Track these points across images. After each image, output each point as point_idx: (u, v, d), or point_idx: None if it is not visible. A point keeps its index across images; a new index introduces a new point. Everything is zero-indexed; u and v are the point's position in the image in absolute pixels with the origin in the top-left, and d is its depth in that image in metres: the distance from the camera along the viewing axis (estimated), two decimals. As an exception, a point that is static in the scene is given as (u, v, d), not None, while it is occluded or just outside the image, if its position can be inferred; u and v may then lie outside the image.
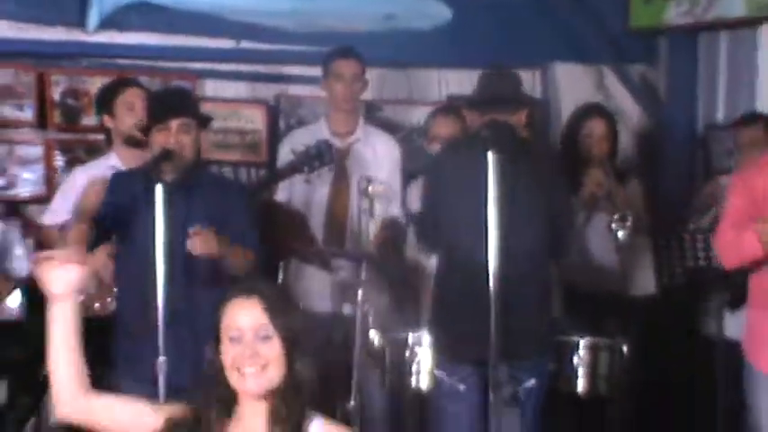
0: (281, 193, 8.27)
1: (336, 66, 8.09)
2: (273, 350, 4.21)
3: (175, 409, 4.33)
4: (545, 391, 6.84)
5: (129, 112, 7.58)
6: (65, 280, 4.26)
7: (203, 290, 6.55)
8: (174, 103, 7.00)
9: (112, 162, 7.75)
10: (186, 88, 7.85)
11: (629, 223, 7.21)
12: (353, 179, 8.13)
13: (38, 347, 7.39)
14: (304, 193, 8.21)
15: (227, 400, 4.29)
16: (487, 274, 6.35)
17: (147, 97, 7.53)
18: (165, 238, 6.44)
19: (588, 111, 8.45)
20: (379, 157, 8.26)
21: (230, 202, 7.03)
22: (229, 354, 4.21)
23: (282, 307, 4.31)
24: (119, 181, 6.87)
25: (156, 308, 6.40)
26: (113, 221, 6.83)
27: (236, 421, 4.30)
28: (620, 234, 7.25)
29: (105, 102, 7.80)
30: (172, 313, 6.42)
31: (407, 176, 8.32)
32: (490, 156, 6.37)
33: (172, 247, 6.47)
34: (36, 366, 7.54)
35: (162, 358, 6.31)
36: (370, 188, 7.68)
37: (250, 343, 4.20)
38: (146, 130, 6.89)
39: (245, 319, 4.24)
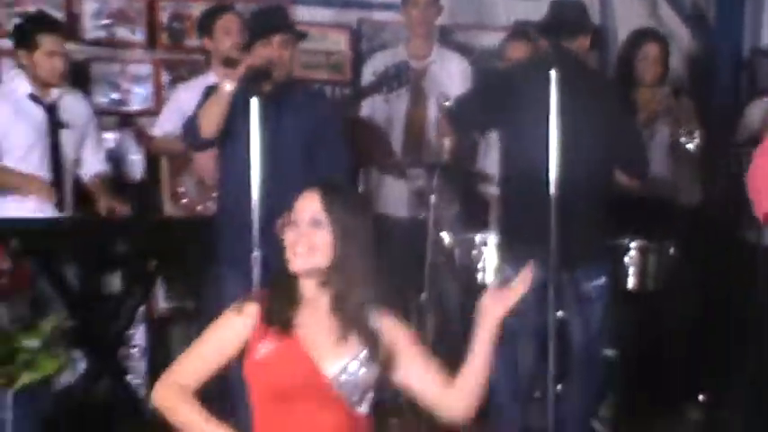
0: (364, 110, 8.32)
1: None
2: (323, 237, 4.25)
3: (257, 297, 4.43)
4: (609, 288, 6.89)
5: (227, 35, 7.78)
6: None
7: (293, 192, 6.49)
8: (277, 20, 7.03)
9: (211, 80, 7.70)
10: (285, 7, 7.71)
11: (696, 136, 7.23)
12: (430, 97, 8.17)
13: (147, 244, 7.49)
14: (384, 110, 8.25)
15: (293, 284, 4.33)
16: (548, 182, 6.35)
17: (251, 15, 7.48)
18: (261, 146, 6.45)
19: (643, 35, 8.40)
20: (452, 77, 8.25)
21: (320, 114, 7.07)
22: (288, 237, 4.30)
23: (340, 203, 4.33)
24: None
25: (251, 208, 6.42)
26: (217, 140, 6.91)
27: (304, 305, 4.31)
28: (690, 146, 7.32)
29: (205, 26, 8.01)
30: (266, 212, 6.38)
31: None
32: (552, 74, 6.35)
33: (266, 153, 6.47)
34: (145, 260, 7.78)
35: (256, 252, 6.34)
36: (447, 104, 7.68)
37: (303, 228, 4.27)
38: (247, 46, 6.92)
39: (303, 207, 4.33)
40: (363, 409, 4.28)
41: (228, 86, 6.67)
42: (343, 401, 4.23)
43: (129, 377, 7.86)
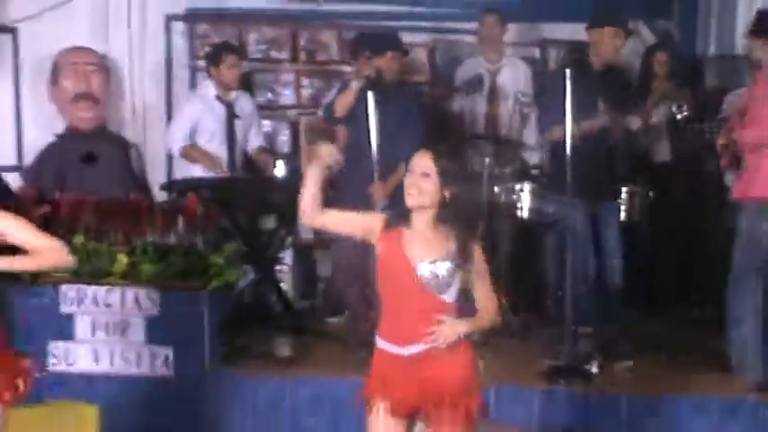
0: (455, 105, 8.41)
1: (486, 20, 8.16)
2: (429, 184, 4.32)
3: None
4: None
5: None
6: (329, 154, 4.43)
7: (393, 150, 6.66)
8: (391, 41, 7.19)
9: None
10: (397, 33, 7.74)
11: (684, 111, 7.10)
12: (502, 91, 8.17)
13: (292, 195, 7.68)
14: (469, 105, 8.29)
15: (406, 214, 4.41)
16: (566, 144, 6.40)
17: (372, 36, 7.61)
18: (376, 122, 6.73)
19: (656, 46, 8.45)
20: (517, 74, 8.27)
21: (410, 102, 7.23)
22: (406, 182, 4.37)
23: (444, 162, 4.39)
24: None
25: (371, 161, 6.77)
26: (345, 118, 7.10)
27: (412, 228, 4.39)
28: (679, 116, 7.15)
29: (353, 51, 7.84)
30: (379, 164, 6.76)
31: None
32: (568, 72, 6.37)
33: (378, 127, 6.74)
34: (292, 206, 7.94)
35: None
36: (521, 95, 7.99)
37: (416, 176, 4.35)
38: (369, 58, 7.12)
39: (417, 162, 4.38)
40: (447, 297, 4.33)
41: (355, 84, 6.90)
42: (431, 290, 4.32)
43: (281, 284, 7.96)
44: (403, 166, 6.53)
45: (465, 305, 4.44)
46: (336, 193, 7.04)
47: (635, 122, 6.80)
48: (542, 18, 8.79)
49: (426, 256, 4.34)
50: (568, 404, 6.11)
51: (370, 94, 6.76)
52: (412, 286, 4.33)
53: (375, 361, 4.44)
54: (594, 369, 6.36)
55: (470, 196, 4.68)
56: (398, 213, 4.48)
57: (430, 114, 8.05)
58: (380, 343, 4.41)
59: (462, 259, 4.34)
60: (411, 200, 4.37)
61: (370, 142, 6.76)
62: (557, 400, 6.13)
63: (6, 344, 4.54)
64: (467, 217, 4.47)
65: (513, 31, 8.59)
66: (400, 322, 4.35)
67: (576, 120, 6.41)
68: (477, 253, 4.42)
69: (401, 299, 4.35)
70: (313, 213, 4.45)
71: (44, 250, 4.41)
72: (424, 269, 4.33)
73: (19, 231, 4.39)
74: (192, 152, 7.96)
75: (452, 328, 4.31)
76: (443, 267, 4.33)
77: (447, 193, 4.38)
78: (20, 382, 4.48)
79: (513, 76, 8.22)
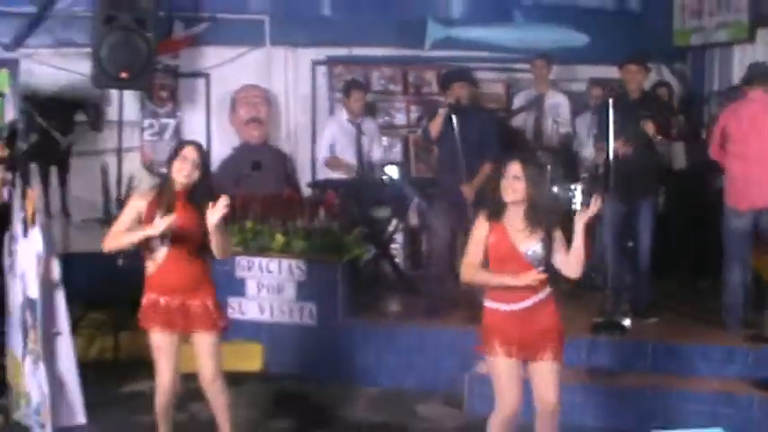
0: (515, 122, 8.25)
1: (537, 62, 8.08)
2: (520, 184, 4.32)
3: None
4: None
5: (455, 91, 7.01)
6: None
7: (474, 163, 6.74)
8: (463, 74, 7.15)
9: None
10: (468, 69, 7.68)
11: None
12: (548, 112, 8.04)
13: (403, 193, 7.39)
14: (522, 121, 8.18)
15: (501, 207, 4.41)
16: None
17: (450, 70, 7.52)
18: (460, 139, 6.67)
19: (659, 84, 8.14)
20: (559, 104, 8.13)
21: (486, 123, 7.10)
22: (503, 184, 4.36)
23: (531, 167, 4.39)
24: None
25: (457, 170, 6.69)
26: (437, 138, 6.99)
27: (510, 220, 4.39)
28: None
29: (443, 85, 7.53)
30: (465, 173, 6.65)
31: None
32: (611, 102, 6.30)
33: (462, 143, 6.68)
34: (403, 200, 7.82)
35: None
36: (558, 118, 7.87)
37: (510, 179, 4.34)
38: (447, 87, 7.02)
39: (510, 168, 4.35)
40: (540, 267, 4.33)
41: (442, 111, 6.84)
42: (530, 264, 4.33)
43: (395, 258, 7.84)
44: (484, 169, 6.57)
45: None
46: (437, 193, 7.11)
47: (649, 128, 6.57)
48: (578, 61, 8.63)
49: (526, 241, 4.35)
50: (608, 351, 6.05)
51: (453, 117, 6.72)
52: (518, 263, 4.34)
53: (490, 318, 4.43)
54: (628, 323, 6.30)
55: (549, 193, 4.68)
56: (493, 207, 4.43)
57: (503, 131, 8.04)
58: (493, 304, 4.41)
59: (549, 240, 4.36)
60: (509, 197, 4.36)
61: (457, 153, 6.71)
62: (599, 348, 6.07)
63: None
64: (548, 208, 4.44)
65: (558, 71, 8.49)
66: (509, 288, 4.33)
67: (617, 137, 6.33)
68: (558, 233, 4.44)
69: (510, 272, 4.34)
70: (470, 274, 4.48)
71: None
72: (527, 250, 4.34)
73: None
74: (332, 161, 7.96)
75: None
76: (539, 248, 4.34)
77: (532, 191, 4.35)
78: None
79: (555, 104, 8.09)
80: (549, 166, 7.23)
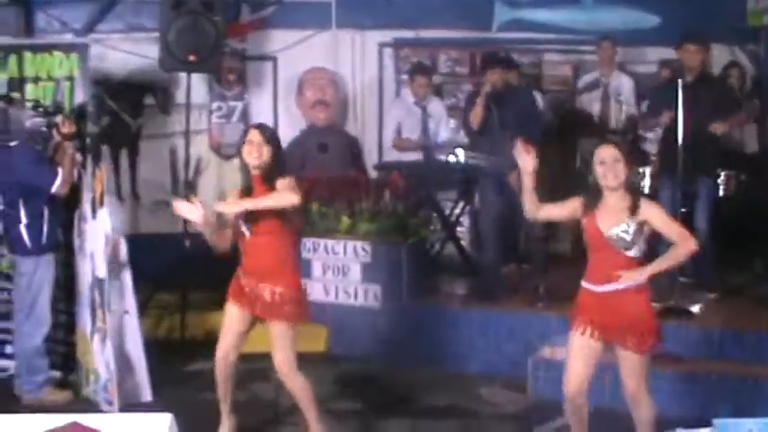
0: (579, 103, 8.13)
1: (603, 44, 7.90)
2: (620, 168, 4.22)
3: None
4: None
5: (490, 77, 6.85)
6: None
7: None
8: (496, 60, 6.97)
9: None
10: (502, 53, 7.49)
11: None
12: (612, 94, 7.88)
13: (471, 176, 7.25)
14: (588, 102, 8.04)
15: (598, 192, 4.32)
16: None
17: (487, 54, 7.34)
18: (497, 121, 6.58)
19: (731, 64, 7.98)
20: (623, 85, 7.96)
21: (530, 106, 7.02)
22: (598, 170, 4.24)
23: (624, 149, 4.32)
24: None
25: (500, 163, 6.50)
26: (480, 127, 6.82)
27: (603, 205, 4.31)
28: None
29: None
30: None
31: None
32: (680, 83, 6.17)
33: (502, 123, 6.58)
34: (468, 183, 7.52)
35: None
36: (621, 98, 7.68)
37: (611, 164, 4.22)
38: (484, 72, 6.88)
39: (608, 152, 4.25)
40: (633, 253, 4.25)
41: (479, 101, 6.69)
42: (618, 249, 4.24)
43: (461, 241, 7.62)
44: None
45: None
46: (483, 180, 7.00)
47: (719, 128, 6.47)
48: (648, 43, 8.34)
49: (612, 224, 4.25)
50: (675, 337, 5.89)
51: (491, 104, 6.62)
52: (606, 247, 4.26)
53: (579, 297, 4.41)
54: (695, 309, 6.16)
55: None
56: (594, 193, 4.34)
57: (570, 114, 7.90)
58: (584, 284, 4.38)
59: (634, 217, 4.23)
60: (611, 182, 4.25)
61: (498, 140, 6.58)
62: (666, 334, 5.90)
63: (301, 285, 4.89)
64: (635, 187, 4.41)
65: (627, 53, 8.33)
66: (599, 270, 4.29)
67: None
68: (650, 207, 4.31)
69: (600, 256, 4.30)
70: (534, 211, 4.48)
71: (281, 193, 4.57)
72: (611, 233, 4.25)
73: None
74: (398, 142, 7.91)
75: (639, 274, 4.23)
76: (624, 232, 4.24)
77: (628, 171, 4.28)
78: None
79: (619, 86, 7.93)
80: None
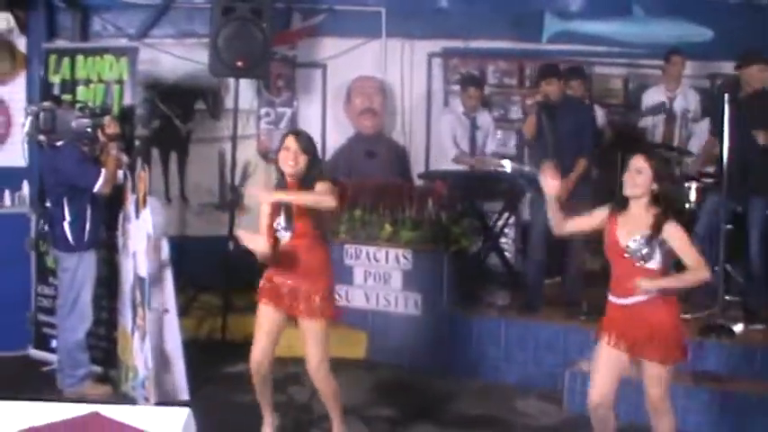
0: (642, 123, 7.92)
1: (672, 59, 7.71)
2: (645, 177, 4.22)
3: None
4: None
5: (548, 87, 6.74)
6: None
7: (569, 155, 6.51)
8: (552, 70, 6.85)
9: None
10: (556, 64, 7.23)
11: None
12: (677, 112, 7.71)
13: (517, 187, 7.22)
14: (652, 123, 7.85)
15: (623, 201, 4.32)
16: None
17: (542, 66, 7.14)
18: (552, 131, 6.45)
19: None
20: (689, 100, 7.79)
21: (585, 118, 6.87)
22: (625, 177, 4.27)
23: (656, 161, 4.31)
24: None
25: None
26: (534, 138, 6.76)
27: (626, 213, 4.31)
28: None
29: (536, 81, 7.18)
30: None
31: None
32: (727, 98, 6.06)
33: (559, 134, 6.48)
34: (513, 193, 7.55)
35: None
36: (689, 114, 7.52)
37: (633, 173, 4.24)
38: (538, 83, 6.81)
39: (634, 162, 4.26)
40: (651, 264, 4.22)
41: (533, 109, 6.72)
42: (635, 259, 4.22)
43: (505, 252, 7.67)
44: (579, 165, 6.37)
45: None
46: (532, 193, 6.89)
47: (763, 138, 6.30)
48: (712, 57, 8.20)
49: (630, 234, 4.24)
50: (715, 355, 5.82)
51: (543, 115, 6.56)
52: (621, 257, 4.26)
53: (607, 308, 4.40)
54: (738, 328, 6.04)
55: (671, 187, 4.48)
56: (618, 202, 4.36)
57: (625, 129, 7.79)
58: (609, 296, 4.37)
59: (654, 232, 4.20)
60: (628, 190, 4.28)
61: (550, 150, 6.47)
62: (706, 351, 5.84)
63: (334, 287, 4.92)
64: (666, 201, 4.29)
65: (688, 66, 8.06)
66: (620, 282, 4.27)
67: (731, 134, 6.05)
68: (673, 228, 4.24)
69: (619, 266, 4.28)
70: (560, 226, 4.51)
71: (319, 194, 4.61)
72: (628, 244, 4.23)
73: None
74: (460, 158, 7.83)
75: (649, 284, 4.18)
76: (639, 243, 4.21)
77: (656, 186, 4.25)
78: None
79: (685, 102, 7.76)
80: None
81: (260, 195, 4.79)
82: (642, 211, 4.29)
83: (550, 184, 4.47)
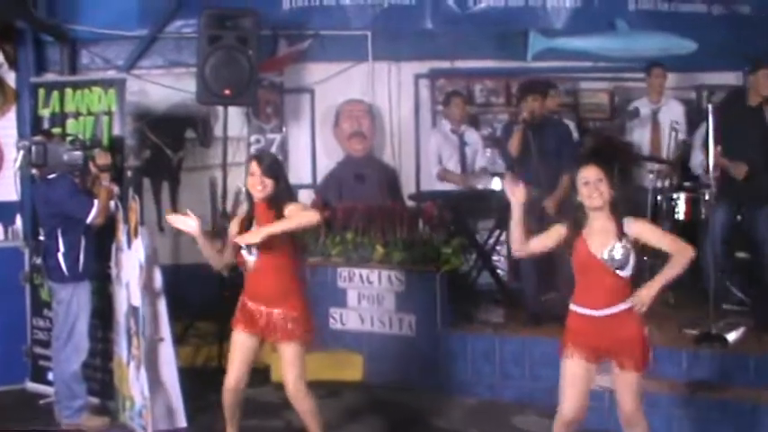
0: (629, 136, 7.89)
1: (653, 71, 7.74)
2: (605, 186, 4.23)
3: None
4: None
5: (530, 103, 6.83)
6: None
7: (551, 173, 6.57)
8: (534, 87, 6.94)
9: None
10: (543, 80, 7.40)
11: None
12: (663, 122, 7.64)
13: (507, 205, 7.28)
14: (638, 131, 7.78)
15: (584, 214, 4.31)
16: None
17: (524, 83, 7.19)
18: (536, 150, 6.53)
19: None
20: (674, 112, 7.74)
21: (562, 133, 6.97)
22: (583, 191, 4.27)
23: (608, 170, 4.29)
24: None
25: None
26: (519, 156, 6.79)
27: (589, 227, 4.31)
28: None
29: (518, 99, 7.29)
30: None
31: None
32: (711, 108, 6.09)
33: (538, 153, 6.53)
34: (504, 211, 7.73)
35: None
36: (677, 125, 7.42)
37: (594, 184, 4.24)
38: (521, 100, 6.83)
39: (590, 173, 4.26)
40: (625, 273, 4.24)
41: (517, 128, 6.69)
42: (609, 270, 4.22)
43: (497, 270, 7.64)
44: (564, 181, 6.40)
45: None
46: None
47: None
48: (697, 69, 8.28)
49: (604, 245, 4.24)
50: (709, 364, 5.84)
51: (528, 132, 6.60)
52: (598, 269, 4.24)
53: (569, 320, 4.38)
54: (732, 337, 6.03)
55: (624, 189, 4.55)
56: (573, 219, 4.36)
57: (610, 142, 7.82)
58: (576, 308, 4.34)
59: (623, 236, 4.21)
60: (595, 202, 4.26)
61: (535, 167, 6.57)
62: (700, 361, 5.87)
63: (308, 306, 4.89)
64: (625, 205, 4.33)
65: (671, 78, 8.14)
66: (592, 293, 4.26)
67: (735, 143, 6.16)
68: (639, 224, 4.30)
69: (591, 278, 4.26)
70: (521, 247, 4.49)
71: (298, 216, 4.64)
72: (604, 255, 4.23)
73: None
74: (444, 174, 7.90)
75: (648, 292, 4.20)
76: (616, 251, 4.21)
77: (613, 192, 4.28)
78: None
79: (670, 113, 7.76)
80: (651, 176, 7.22)
81: (241, 238, 4.69)
82: (604, 221, 4.30)
83: (517, 190, 4.44)
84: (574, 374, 4.33)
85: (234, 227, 4.88)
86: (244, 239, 4.66)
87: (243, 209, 7.32)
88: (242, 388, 4.90)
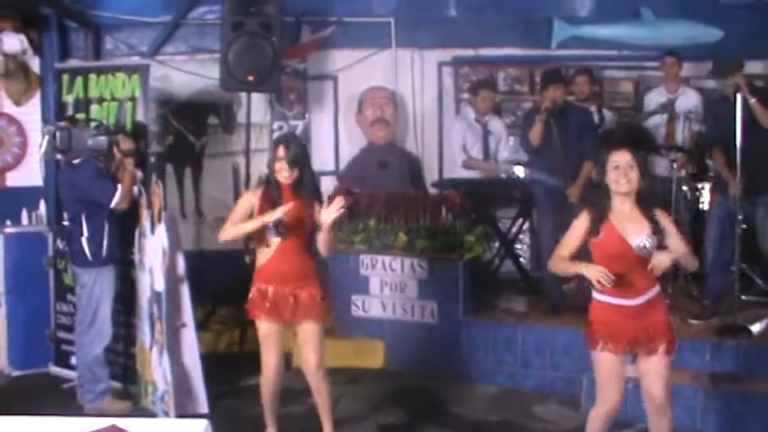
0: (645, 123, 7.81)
1: (667, 60, 7.67)
2: (634, 173, 4.18)
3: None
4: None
5: (554, 92, 6.77)
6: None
7: (573, 160, 6.58)
8: (556, 76, 6.89)
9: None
10: (560, 69, 7.28)
11: None
12: (680, 112, 7.58)
13: (530, 193, 7.14)
14: (654, 123, 7.72)
15: (608, 199, 4.25)
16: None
17: (546, 72, 7.10)
18: (558, 137, 6.53)
19: None
20: (690, 101, 7.66)
21: (584, 120, 6.93)
22: (613, 174, 4.19)
23: (640, 158, 4.21)
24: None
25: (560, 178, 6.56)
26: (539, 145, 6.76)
27: (615, 212, 4.23)
28: None
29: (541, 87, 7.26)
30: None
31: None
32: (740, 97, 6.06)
33: (560, 141, 6.53)
34: (527, 201, 7.40)
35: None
36: (691, 115, 7.41)
37: (624, 169, 4.18)
38: (544, 89, 6.81)
39: (621, 158, 4.19)
40: (651, 260, 4.14)
41: (539, 118, 6.63)
42: (642, 258, 4.17)
43: (520, 258, 7.73)
44: (585, 169, 6.35)
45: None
46: (541, 196, 6.92)
47: None
48: (712, 58, 8.01)
49: (636, 232, 4.19)
50: (732, 355, 5.79)
51: (551, 120, 6.57)
52: (631, 257, 4.18)
53: (599, 312, 4.30)
54: (755, 328, 5.97)
55: (654, 183, 4.52)
56: (601, 204, 4.28)
57: (631, 130, 7.76)
58: (605, 298, 4.25)
59: (657, 229, 4.20)
60: (623, 187, 4.20)
61: (558, 155, 6.55)
62: (723, 352, 5.82)
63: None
64: (652, 196, 4.33)
65: (691, 68, 8.11)
66: (625, 282, 4.16)
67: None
68: (668, 217, 4.32)
69: (623, 267, 4.17)
70: (553, 264, 4.41)
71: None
72: (640, 243, 4.17)
73: None
74: (469, 162, 7.90)
75: (668, 256, 4.15)
76: (649, 241, 4.17)
77: (643, 180, 4.24)
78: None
79: (687, 103, 7.68)
80: (674, 165, 7.12)
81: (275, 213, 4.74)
82: (630, 208, 4.26)
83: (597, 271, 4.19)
84: (612, 368, 4.29)
85: (249, 201, 4.83)
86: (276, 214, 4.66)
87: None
88: (281, 378, 4.94)
